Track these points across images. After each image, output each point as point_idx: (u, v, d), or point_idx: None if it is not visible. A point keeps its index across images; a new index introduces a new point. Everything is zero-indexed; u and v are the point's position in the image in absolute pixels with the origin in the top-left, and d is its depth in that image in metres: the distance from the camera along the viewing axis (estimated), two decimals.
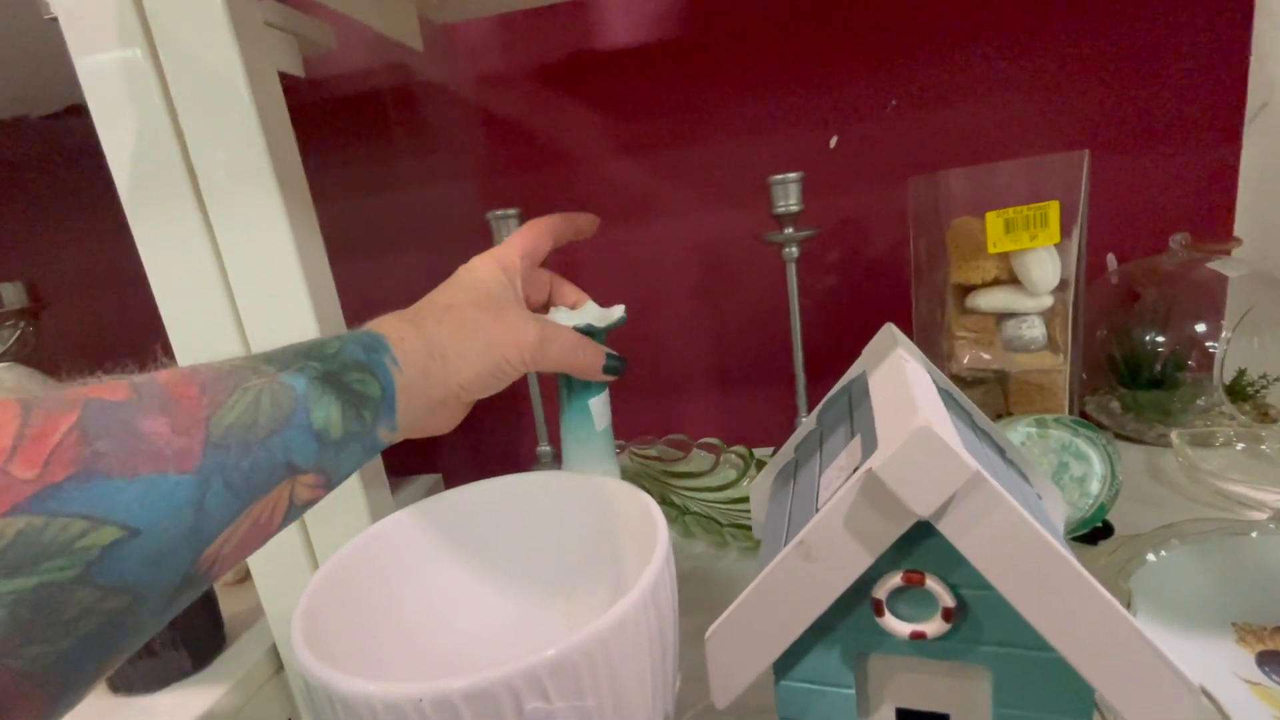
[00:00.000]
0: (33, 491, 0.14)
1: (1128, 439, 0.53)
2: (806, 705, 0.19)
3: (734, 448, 0.56)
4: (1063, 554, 0.15)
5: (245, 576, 0.51)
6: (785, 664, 0.19)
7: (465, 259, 0.33)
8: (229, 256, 0.34)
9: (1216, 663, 0.27)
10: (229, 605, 0.45)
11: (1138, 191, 0.56)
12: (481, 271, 0.30)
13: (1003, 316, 0.47)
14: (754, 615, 0.18)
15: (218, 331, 0.35)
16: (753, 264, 0.61)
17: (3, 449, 0.14)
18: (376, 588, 0.25)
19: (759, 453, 0.56)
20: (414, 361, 0.25)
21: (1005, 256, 0.45)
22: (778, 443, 0.41)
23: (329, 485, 0.22)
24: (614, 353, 0.31)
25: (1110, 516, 0.40)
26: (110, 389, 0.17)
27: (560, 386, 0.35)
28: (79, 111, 0.66)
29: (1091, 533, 0.40)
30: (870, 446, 0.18)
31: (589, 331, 0.33)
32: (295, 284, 0.34)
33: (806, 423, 0.27)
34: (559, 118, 0.60)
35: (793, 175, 0.46)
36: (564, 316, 0.34)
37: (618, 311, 0.35)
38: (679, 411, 0.65)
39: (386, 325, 0.26)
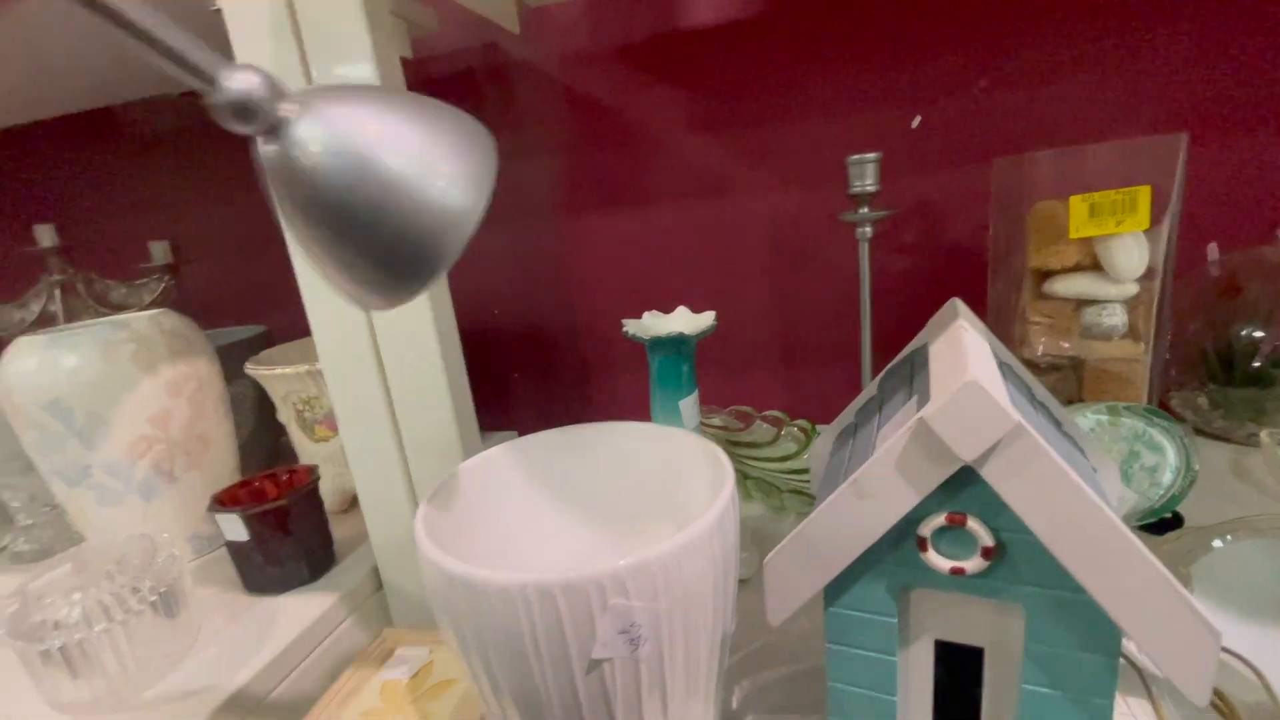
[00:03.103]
0: None
1: (1214, 436, 0.51)
2: (852, 632, 0.22)
3: (796, 421, 0.58)
4: (1097, 503, 0.17)
5: (352, 505, 0.57)
6: (834, 592, 0.22)
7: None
8: None
9: (1273, 647, 0.27)
10: (338, 530, 0.51)
11: (1243, 178, 0.53)
12: None
13: (1082, 303, 0.46)
14: (809, 545, 0.21)
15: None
16: (825, 243, 0.62)
17: None
18: (475, 508, 0.29)
19: (821, 429, 0.57)
20: None
21: (1088, 242, 0.45)
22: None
23: None
24: None
25: (1185, 510, 0.39)
26: None
27: (652, 387, 0.38)
28: None
29: (1160, 523, 0.39)
30: (925, 404, 0.20)
31: (679, 339, 0.36)
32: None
33: (868, 389, 0.29)
34: (641, 98, 0.63)
35: (870, 156, 0.47)
36: (658, 324, 0.37)
37: (708, 319, 0.38)
38: (744, 384, 0.67)
39: None
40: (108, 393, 0.45)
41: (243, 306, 0.77)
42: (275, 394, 0.55)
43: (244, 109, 0.17)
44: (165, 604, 0.39)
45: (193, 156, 0.76)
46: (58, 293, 0.71)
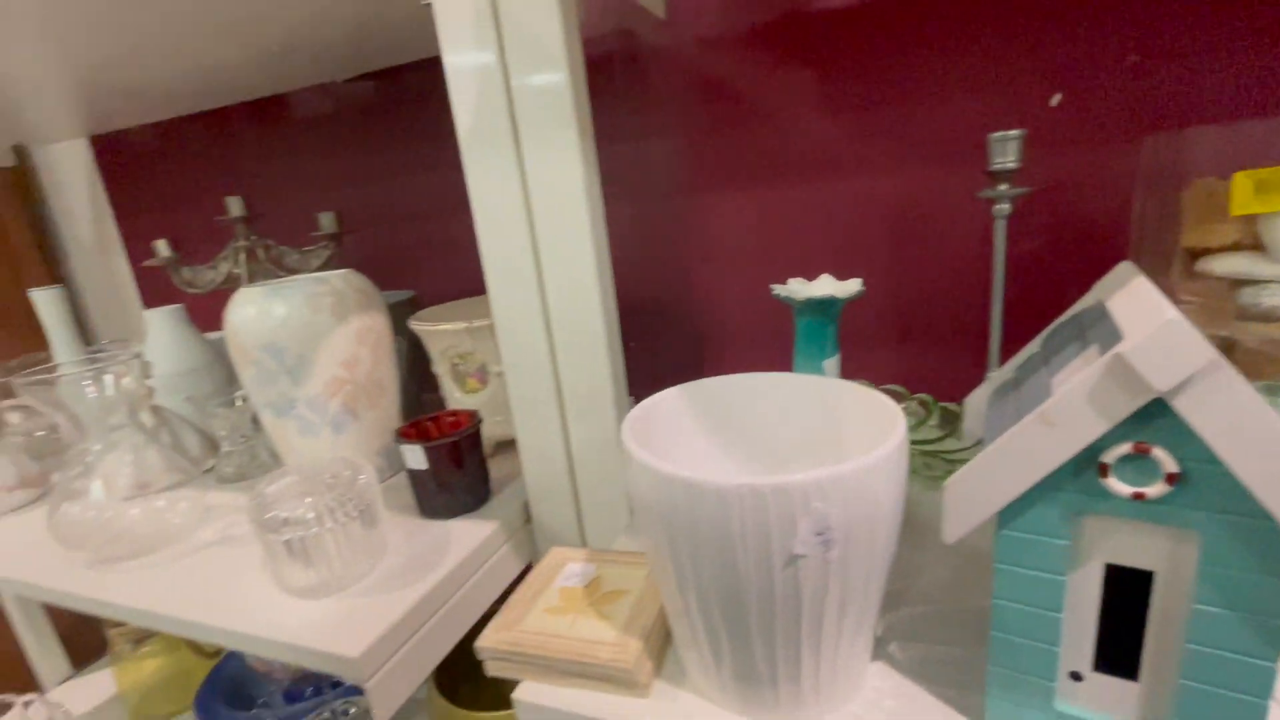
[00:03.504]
0: None
1: None
2: (1023, 554, 0.24)
3: (916, 395, 0.59)
4: None
5: (495, 452, 0.64)
6: (1009, 516, 0.24)
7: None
8: (534, 191, 0.44)
9: None
10: (493, 468, 0.57)
11: None
12: None
13: (1239, 283, 0.45)
14: (991, 469, 0.24)
15: (519, 254, 0.45)
16: (950, 221, 0.62)
17: None
18: (655, 438, 0.33)
19: (944, 405, 0.59)
20: None
21: (1250, 220, 0.44)
22: (959, 396, 0.44)
23: None
24: None
25: None
26: None
27: (796, 349, 0.41)
28: (373, 77, 0.82)
29: None
30: (1107, 350, 0.22)
31: (829, 302, 0.38)
32: (580, 219, 0.43)
33: (1028, 348, 0.31)
34: (771, 78, 0.65)
35: (1013, 133, 0.47)
36: (806, 288, 0.40)
37: (856, 284, 0.40)
38: (862, 357, 0.68)
39: None
40: (311, 337, 0.53)
41: (394, 273, 0.85)
42: (433, 348, 0.62)
43: None
44: (366, 516, 0.46)
45: (355, 137, 0.85)
46: (243, 257, 0.81)
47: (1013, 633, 0.25)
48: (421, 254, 0.86)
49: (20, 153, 1.09)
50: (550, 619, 0.35)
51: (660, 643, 0.34)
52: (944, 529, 0.25)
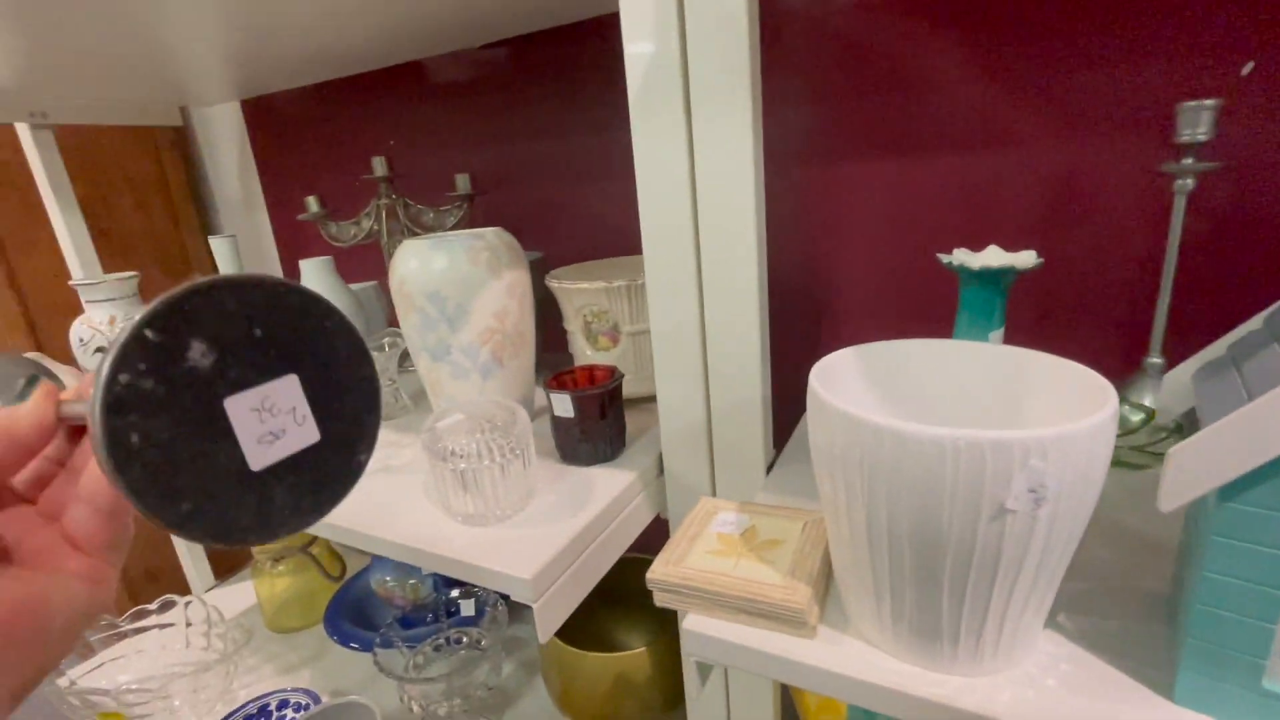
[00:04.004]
0: None
1: None
2: (1249, 528, 0.24)
3: None
4: None
5: (636, 401, 0.66)
6: (1236, 490, 0.24)
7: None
8: (701, 155, 0.45)
9: None
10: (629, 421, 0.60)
11: None
12: None
13: None
14: (1220, 443, 0.23)
15: (679, 217, 0.47)
16: (1113, 196, 0.59)
17: None
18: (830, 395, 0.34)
19: None
20: None
21: None
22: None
23: None
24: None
25: None
26: None
27: (959, 321, 0.41)
28: (503, 45, 0.84)
29: None
30: None
31: (1003, 272, 0.38)
32: (746, 184, 0.44)
33: (1248, 325, 0.29)
34: (917, 43, 0.63)
35: (1209, 102, 0.44)
36: (974, 257, 0.40)
37: (1031, 256, 0.39)
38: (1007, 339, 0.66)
39: None
40: (469, 288, 0.57)
41: (520, 235, 0.89)
42: (570, 305, 0.65)
43: None
44: (523, 456, 0.49)
45: (489, 103, 0.88)
46: (383, 214, 0.87)
47: (1224, 607, 0.25)
48: (548, 217, 0.89)
49: (183, 114, 1.19)
50: (713, 559, 0.37)
51: (823, 590, 0.35)
52: (1161, 498, 0.25)
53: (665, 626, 0.77)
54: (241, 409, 0.21)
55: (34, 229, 1.08)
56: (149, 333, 0.19)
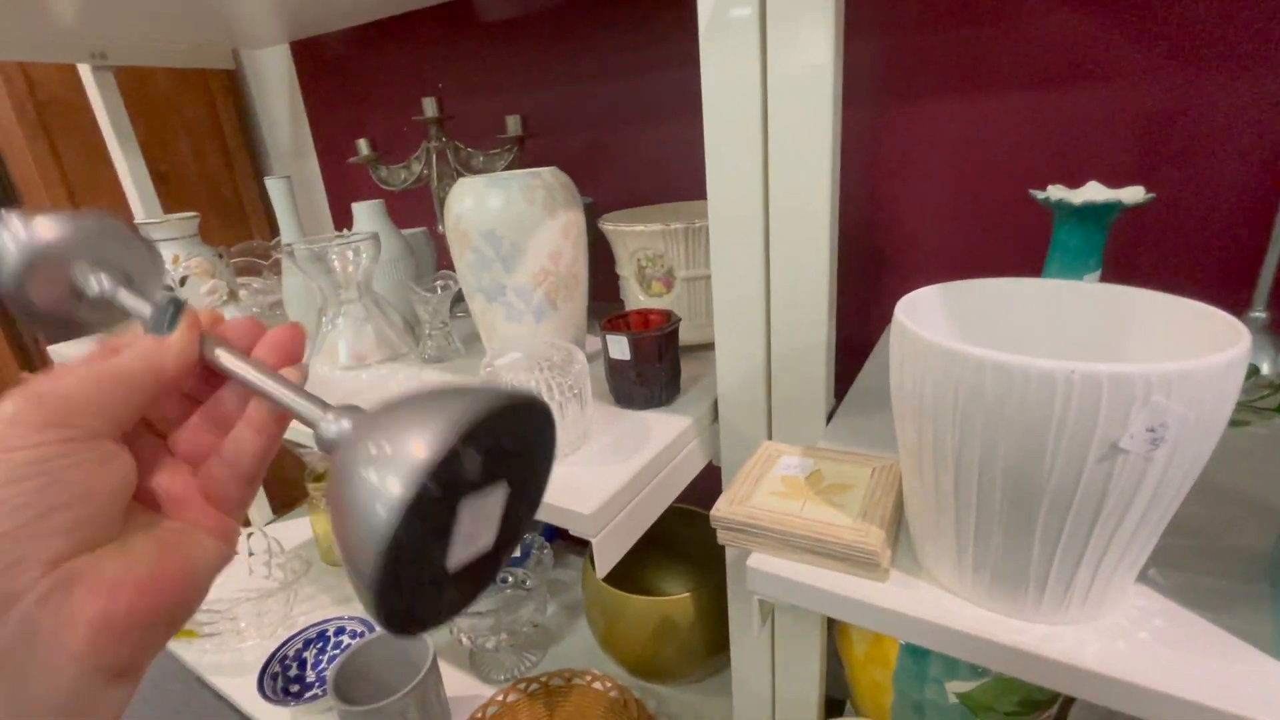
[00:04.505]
0: None
1: None
2: None
3: None
4: None
5: (689, 348, 0.65)
6: None
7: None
8: (774, 84, 0.42)
9: None
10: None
11: None
12: None
13: None
14: None
15: (748, 151, 0.44)
16: (1215, 136, 0.54)
17: None
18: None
19: None
20: None
21: None
22: None
23: None
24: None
25: None
26: None
27: (1050, 262, 0.38)
28: None
29: None
30: None
31: (1110, 208, 0.35)
32: (824, 119, 0.41)
33: None
34: None
35: None
36: (1071, 194, 0.36)
37: (1139, 191, 0.36)
38: None
39: None
40: (524, 227, 0.56)
41: (573, 180, 0.88)
42: (624, 249, 0.64)
43: (328, 447, 0.21)
44: (580, 396, 0.49)
45: (541, 43, 0.86)
46: (433, 158, 0.86)
47: None
48: (599, 161, 0.87)
49: (235, 57, 1.19)
50: (779, 501, 0.36)
51: (894, 536, 0.34)
52: None
53: (707, 575, 0.78)
54: (467, 513, 0.21)
55: (96, 170, 1.11)
56: (459, 446, 0.18)
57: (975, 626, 0.29)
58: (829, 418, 0.51)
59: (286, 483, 1.31)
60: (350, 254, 0.58)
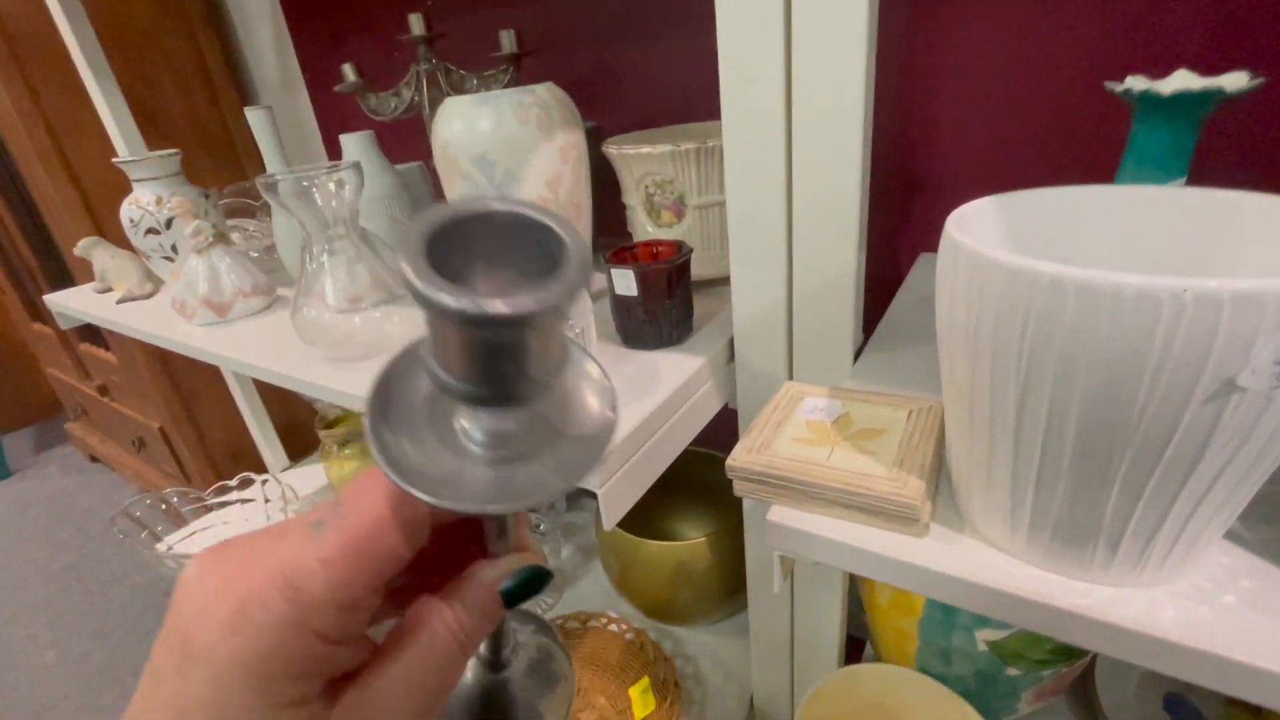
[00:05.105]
0: None
1: None
2: None
3: None
4: None
5: (702, 283, 0.60)
6: None
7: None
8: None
9: None
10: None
11: None
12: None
13: None
14: None
15: (768, 53, 0.38)
16: None
17: None
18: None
19: None
20: None
21: None
22: None
23: None
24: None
25: None
26: None
27: (1124, 169, 0.32)
28: None
29: None
30: None
31: (1207, 96, 0.29)
32: (858, 11, 0.35)
33: None
34: None
35: None
36: (1158, 83, 0.30)
37: (1243, 76, 0.29)
38: None
39: None
40: (518, 151, 0.50)
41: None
42: (630, 175, 0.58)
43: None
44: (583, 335, 0.45)
45: None
46: (423, 82, 0.80)
47: None
48: (602, 82, 0.80)
49: None
50: (803, 448, 0.32)
51: (934, 485, 0.30)
52: None
53: (723, 519, 0.76)
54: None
55: (79, 111, 1.06)
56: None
57: (1031, 588, 0.25)
58: (856, 355, 0.46)
59: (300, 429, 1.31)
60: (333, 186, 0.54)
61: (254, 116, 0.75)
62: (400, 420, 0.17)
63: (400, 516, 0.17)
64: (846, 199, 0.40)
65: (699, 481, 0.85)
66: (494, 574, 0.19)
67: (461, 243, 0.15)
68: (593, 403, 0.19)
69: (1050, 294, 0.20)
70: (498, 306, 0.13)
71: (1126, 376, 0.20)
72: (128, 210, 0.77)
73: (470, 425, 0.17)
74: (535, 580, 0.19)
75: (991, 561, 0.27)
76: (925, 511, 0.28)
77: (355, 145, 0.75)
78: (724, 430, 0.52)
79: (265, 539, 0.16)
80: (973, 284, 0.23)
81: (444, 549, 0.20)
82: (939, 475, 0.31)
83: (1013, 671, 0.51)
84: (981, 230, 0.29)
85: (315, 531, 0.16)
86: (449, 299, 0.13)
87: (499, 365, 0.15)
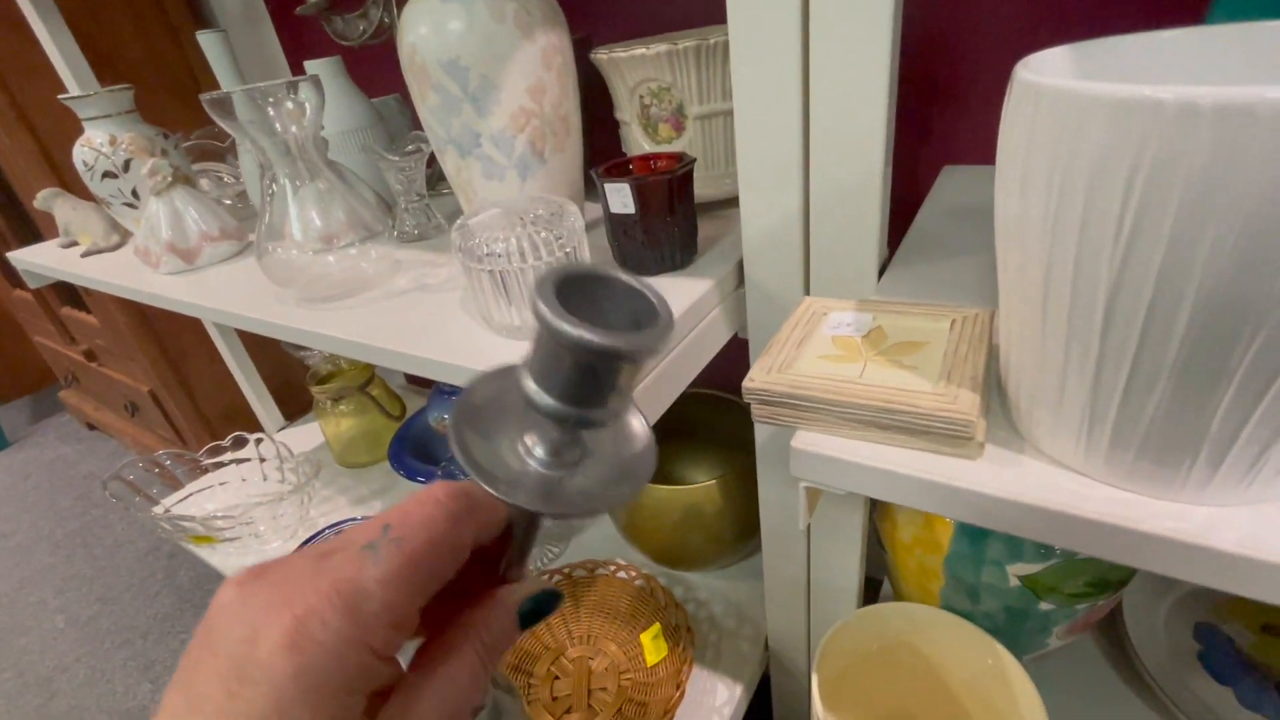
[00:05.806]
0: None
1: None
2: None
3: None
4: None
5: (707, 205, 0.55)
6: None
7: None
8: None
9: None
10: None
11: None
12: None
13: None
14: None
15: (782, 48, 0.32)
16: None
17: None
18: None
19: None
20: None
21: None
22: None
23: None
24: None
25: None
26: None
27: (1215, 12, 0.27)
28: None
29: None
30: None
31: None
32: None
33: None
34: None
35: None
36: None
37: None
38: None
39: None
40: (495, 53, 0.45)
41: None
42: (623, 84, 0.52)
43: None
44: (573, 256, 0.40)
45: None
46: (393, 1, 0.72)
47: None
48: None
49: None
50: (831, 365, 0.28)
51: (986, 400, 0.26)
52: None
53: (732, 463, 0.72)
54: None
55: (28, 52, 0.98)
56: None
57: (1112, 511, 0.21)
58: (881, 272, 0.42)
59: (295, 389, 1.28)
60: (290, 104, 0.48)
61: (207, 41, 0.68)
62: (480, 428, 0.20)
63: (450, 539, 0.18)
64: (873, 86, 0.34)
65: (705, 427, 0.81)
66: (516, 597, 0.20)
67: (574, 293, 0.18)
68: (636, 444, 0.22)
69: (1176, 125, 0.15)
70: (615, 340, 0.16)
71: (1270, 233, 0.15)
72: (80, 153, 0.71)
73: (537, 442, 0.20)
74: (549, 602, 0.21)
75: (1059, 483, 0.23)
76: (980, 429, 0.24)
77: (322, 71, 0.68)
78: (735, 371, 0.47)
79: (306, 561, 0.17)
80: (1061, 134, 0.18)
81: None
82: (990, 390, 0.27)
83: (1045, 606, 0.48)
84: (1060, 66, 0.24)
85: (370, 553, 0.17)
86: (573, 329, 0.16)
87: (590, 390, 0.18)
